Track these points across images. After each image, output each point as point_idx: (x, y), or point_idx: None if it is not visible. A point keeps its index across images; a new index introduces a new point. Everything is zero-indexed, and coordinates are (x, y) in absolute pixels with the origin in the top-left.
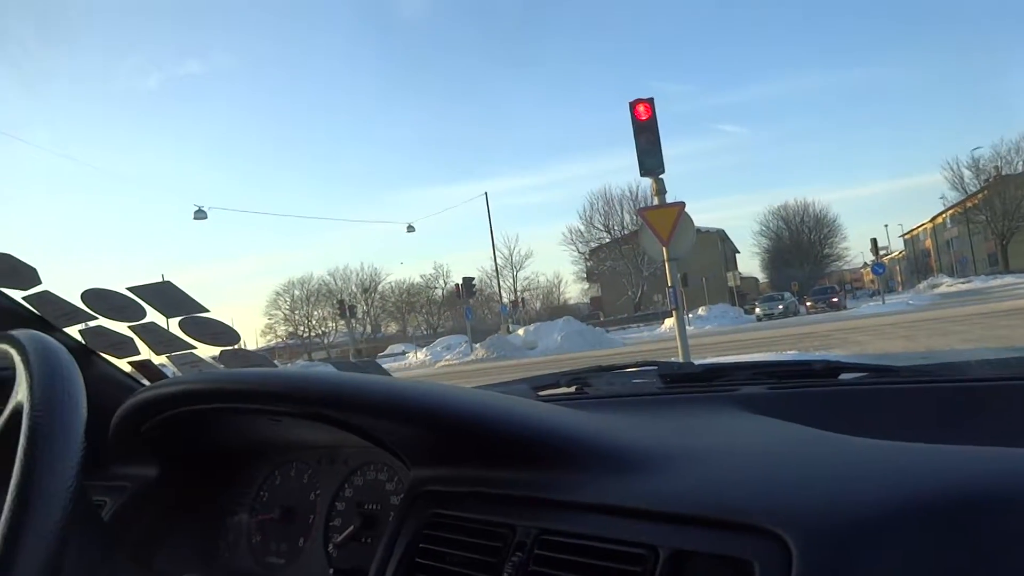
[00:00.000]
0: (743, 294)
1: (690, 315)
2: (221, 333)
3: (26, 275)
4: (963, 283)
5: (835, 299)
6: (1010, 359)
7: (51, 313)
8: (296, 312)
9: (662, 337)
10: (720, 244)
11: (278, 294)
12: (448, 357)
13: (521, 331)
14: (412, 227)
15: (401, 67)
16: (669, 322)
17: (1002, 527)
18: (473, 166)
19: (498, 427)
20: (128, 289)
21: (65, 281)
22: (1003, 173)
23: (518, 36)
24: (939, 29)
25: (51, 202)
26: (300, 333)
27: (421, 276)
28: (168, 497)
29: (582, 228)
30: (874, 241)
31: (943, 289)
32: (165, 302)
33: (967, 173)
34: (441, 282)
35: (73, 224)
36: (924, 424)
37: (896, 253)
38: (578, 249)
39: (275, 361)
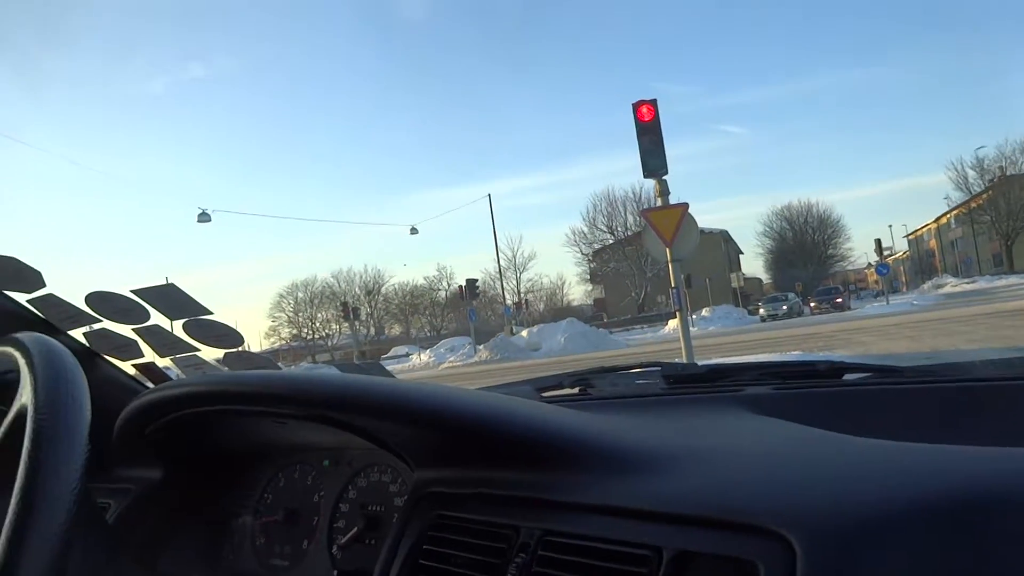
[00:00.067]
0: (747, 295)
1: (694, 316)
2: (225, 335)
3: (30, 278)
4: (968, 283)
5: (839, 300)
6: (1015, 359)
7: (55, 316)
8: (300, 314)
9: (666, 338)
10: (724, 245)
11: (282, 296)
12: (452, 359)
13: (525, 333)
14: (415, 229)
15: (401, 69)
16: (673, 323)
17: (1007, 527)
18: (475, 168)
19: (502, 428)
20: (132, 292)
21: (69, 284)
22: (1007, 173)
23: (518, 37)
24: (939, 29)
25: (55, 205)
26: (304, 335)
27: (425, 278)
28: (172, 499)
29: (585, 229)
30: (878, 242)
31: (947, 289)
32: (169, 305)
33: (971, 173)
34: (445, 284)
35: (77, 227)
36: (928, 424)
37: (900, 253)
38: (581, 250)
39: (279, 363)
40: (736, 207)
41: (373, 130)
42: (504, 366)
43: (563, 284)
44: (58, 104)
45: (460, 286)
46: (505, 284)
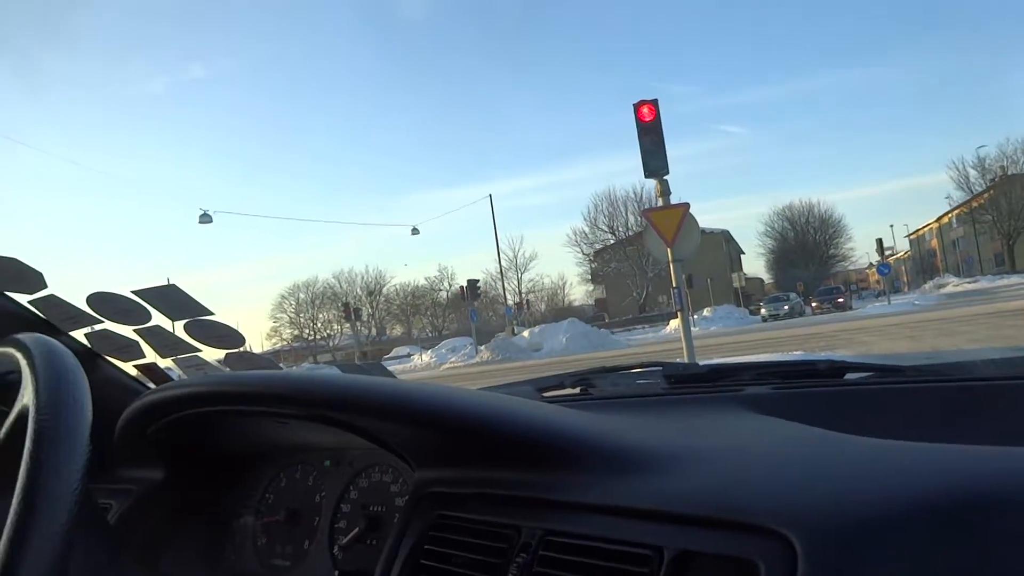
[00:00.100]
0: (748, 295)
1: (695, 316)
2: (226, 336)
3: (32, 279)
4: (969, 283)
5: (840, 299)
6: (1016, 359)
7: (57, 317)
8: (301, 315)
9: (667, 338)
10: (725, 245)
11: (283, 297)
12: (453, 359)
13: (526, 333)
14: (416, 230)
15: (401, 69)
16: (674, 323)
17: (1008, 527)
18: (476, 168)
19: (503, 428)
20: (133, 293)
21: (70, 285)
22: (1009, 172)
23: (518, 37)
24: (939, 29)
25: (56, 206)
26: (305, 336)
27: (426, 279)
28: (174, 500)
29: (586, 230)
30: (879, 241)
31: (949, 289)
32: (170, 305)
33: (973, 173)
34: (446, 284)
35: (78, 228)
36: (929, 424)
37: (902, 253)
38: (582, 251)
39: (280, 364)
40: (737, 207)
41: (373, 130)
42: (505, 366)
43: (564, 284)
44: (58, 105)
45: (461, 286)
46: (506, 284)
